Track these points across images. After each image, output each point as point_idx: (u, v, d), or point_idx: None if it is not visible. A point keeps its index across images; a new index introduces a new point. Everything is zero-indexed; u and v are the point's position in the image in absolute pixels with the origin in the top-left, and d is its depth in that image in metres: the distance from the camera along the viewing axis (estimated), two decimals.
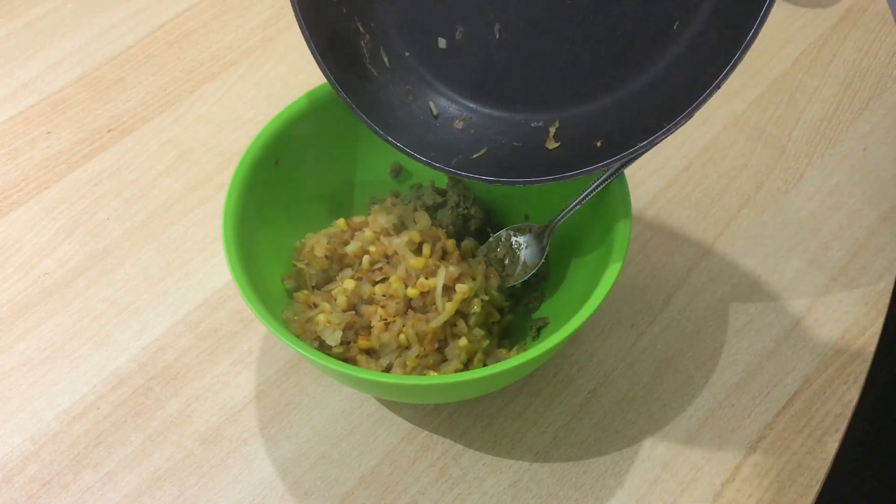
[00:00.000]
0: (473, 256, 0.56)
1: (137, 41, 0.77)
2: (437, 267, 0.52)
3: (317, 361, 0.46)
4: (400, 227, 0.55)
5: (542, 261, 0.55)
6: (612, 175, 0.51)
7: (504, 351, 0.53)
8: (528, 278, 0.55)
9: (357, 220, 0.57)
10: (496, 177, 0.50)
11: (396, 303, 0.52)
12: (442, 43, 0.54)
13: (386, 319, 0.51)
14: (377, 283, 0.53)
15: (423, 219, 0.55)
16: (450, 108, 0.55)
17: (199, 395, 0.56)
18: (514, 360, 0.45)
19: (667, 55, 0.47)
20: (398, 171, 0.61)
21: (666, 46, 0.47)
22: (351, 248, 0.55)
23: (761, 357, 0.57)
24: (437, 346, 0.51)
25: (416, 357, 0.50)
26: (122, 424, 0.55)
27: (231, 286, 0.61)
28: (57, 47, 0.77)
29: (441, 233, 0.55)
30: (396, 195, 0.58)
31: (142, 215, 0.65)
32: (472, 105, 0.54)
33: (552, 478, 0.52)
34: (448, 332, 0.51)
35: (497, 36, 0.52)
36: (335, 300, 0.52)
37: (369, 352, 0.52)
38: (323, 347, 0.51)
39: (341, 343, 0.51)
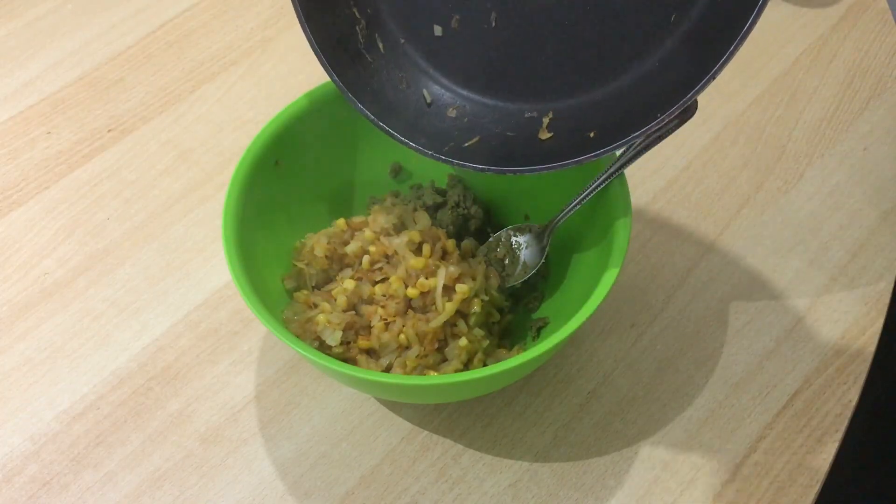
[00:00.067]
0: (473, 256, 0.56)
1: (137, 41, 0.77)
2: (437, 267, 0.52)
3: (317, 361, 0.46)
4: (400, 227, 0.55)
5: (542, 261, 0.55)
6: (612, 175, 0.50)
7: (504, 351, 0.53)
8: (529, 278, 0.55)
9: (357, 220, 0.57)
10: (487, 165, 0.50)
11: (396, 303, 0.51)
12: (438, 30, 0.53)
13: (386, 319, 0.51)
14: (377, 283, 0.53)
15: (423, 219, 0.55)
16: (444, 95, 0.55)
17: (199, 395, 0.56)
18: (514, 360, 0.45)
19: (663, 47, 0.47)
20: (398, 171, 0.61)
21: (662, 39, 0.47)
22: (351, 248, 0.55)
23: (761, 357, 0.57)
24: (437, 346, 0.51)
25: (416, 357, 0.50)
26: (122, 424, 0.55)
27: (231, 286, 0.61)
28: (57, 47, 0.77)
29: (441, 233, 0.55)
30: (396, 195, 0.58)
31: (142, 215, 0.65)
32: (466, 93, 0.54)
33: (552, 478, 0.52)
34: (448, 332, 0.51)
35: (493, 25, 0.52)
36: (335, 300, 0.52)
37: (369, 352, 0.52)
38: (323, 347, 0.51)
39: (341, 343, 0.51)
